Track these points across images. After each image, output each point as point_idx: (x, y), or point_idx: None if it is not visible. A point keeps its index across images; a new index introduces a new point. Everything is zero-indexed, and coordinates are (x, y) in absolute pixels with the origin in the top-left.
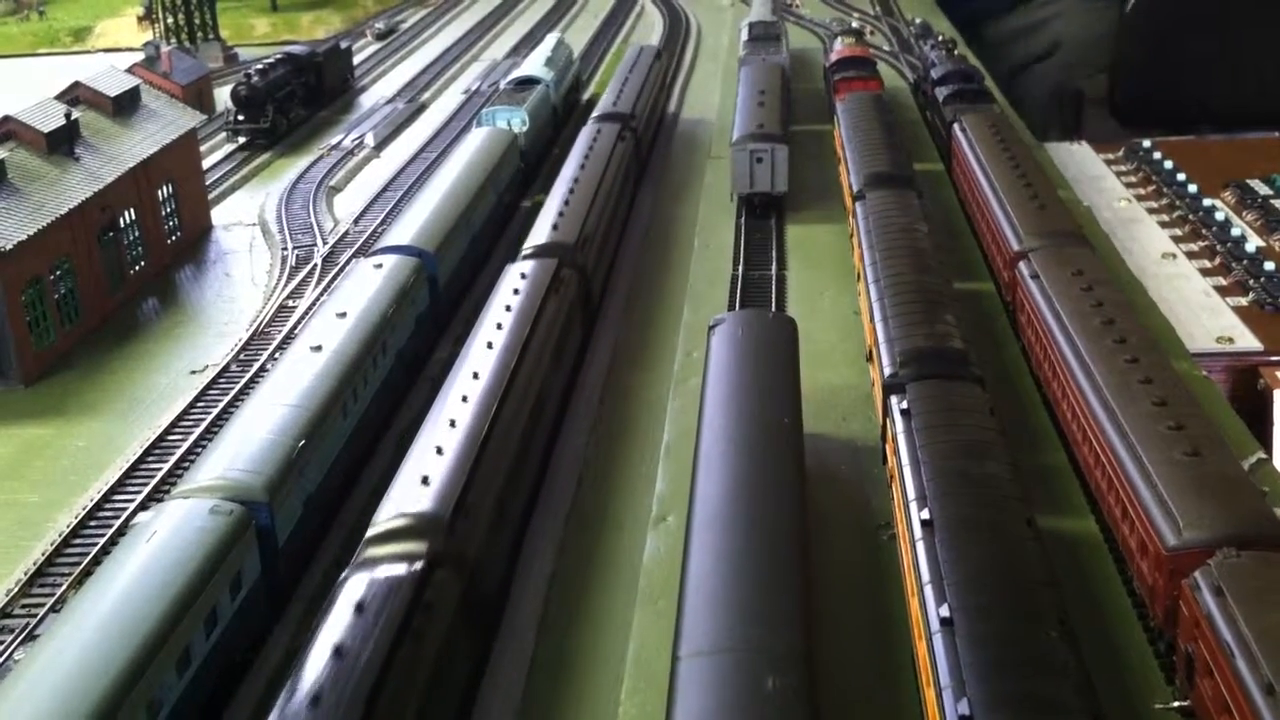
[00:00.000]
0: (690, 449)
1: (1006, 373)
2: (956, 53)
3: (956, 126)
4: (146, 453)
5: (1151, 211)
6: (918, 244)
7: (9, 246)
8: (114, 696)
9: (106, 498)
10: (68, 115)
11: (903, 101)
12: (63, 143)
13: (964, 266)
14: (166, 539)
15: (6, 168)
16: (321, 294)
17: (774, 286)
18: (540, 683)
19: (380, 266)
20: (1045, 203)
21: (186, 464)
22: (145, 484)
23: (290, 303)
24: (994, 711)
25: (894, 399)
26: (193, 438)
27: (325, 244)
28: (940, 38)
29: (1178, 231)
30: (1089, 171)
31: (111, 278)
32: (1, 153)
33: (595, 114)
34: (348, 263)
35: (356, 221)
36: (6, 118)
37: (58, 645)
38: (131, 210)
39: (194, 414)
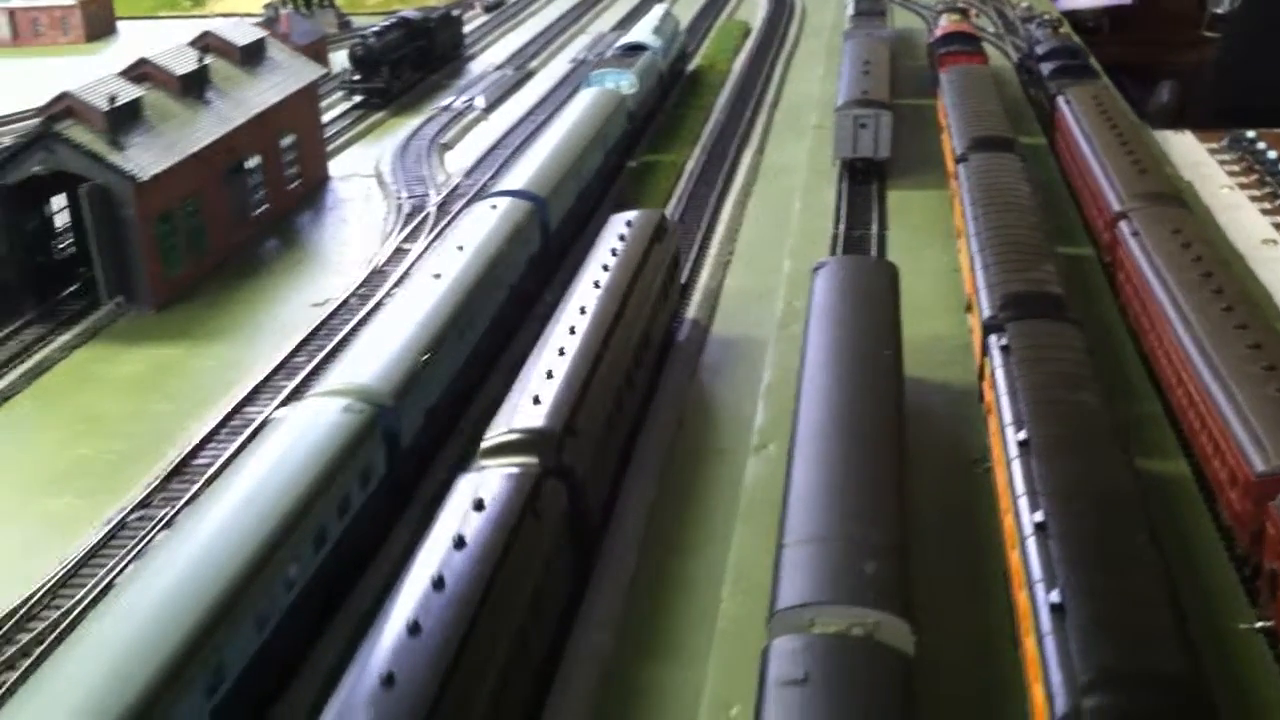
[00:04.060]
0: (790, 389)
1: (1104, 330)
2: (1062, 31)
3: (1060, 99)
4: (272, 373)
5: (1254, 199)
6: (1019, 200)
7: (145, 177)
8: (255, 565)
9: (237, 409)
10: (200, 60)
11: (1006, 79)
12: (194, 86)
13: (1063, 232)
14: (303, 431)
15: (144, 106)
16: (434, 239)
17: (875, 245)
18: (647, 568)
19: (496, 207)
20: (1146, 167)
21: (311, 384)
22: (272, 400)
23: (405, 246)
24: (1083, 598)
25: (993, 337)
26: (315, 361)
27: (438, 194)
28: (1045, 16)
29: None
30: (1190, 158)
31: (235, 216)
32: (139, 92)
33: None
34: (460, 211)
35: (468, 175)
36: (143, 60)
37: (203, 521)
38: (256, 154)
39: (316, 341)
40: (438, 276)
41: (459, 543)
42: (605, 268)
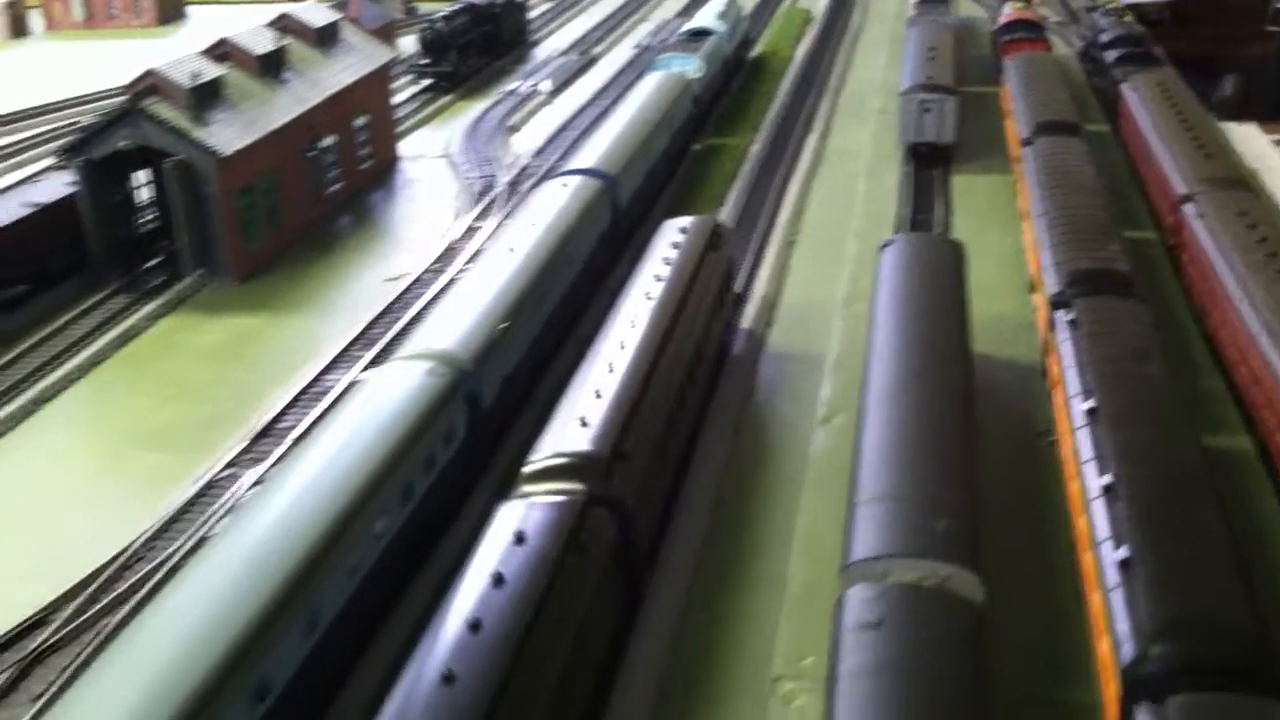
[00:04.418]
0: (856, 364)
1: (1168, 311)
2: (1126, 19)
3: (1124, 86)
4: (350, 344)
5: None
6: (1084, 182)
7: (227, 153)
8: (347, 517)
9: (318, 378)
10: (278, 41)
11: (1069, 68)
12: (273, 67)
13: (1127, 216)
14: (388, 392)
15: (225, 85)
16: (505, 217)
17: (939, 228)
18: (721, 517)
19: (567, 185)
20: (1211, 151)
21: (389, 354)
22: (351, 369)
23: (476, 224)
24: (1150, 554)
25: (1060, 313)
26: (393, 333)
27: (507, 174)
28: (1109, 5)
29: None
30: (1255, 149)
31: (311, 194)
32: (220, 70)
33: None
34: (530, 189)
35: (535, 156)
36: (223, 40)
37: (293, 477)
38: (331, 134)
39: (392, 313)
40: (513, 250)
41: (498, 580)
42: (657, 278)
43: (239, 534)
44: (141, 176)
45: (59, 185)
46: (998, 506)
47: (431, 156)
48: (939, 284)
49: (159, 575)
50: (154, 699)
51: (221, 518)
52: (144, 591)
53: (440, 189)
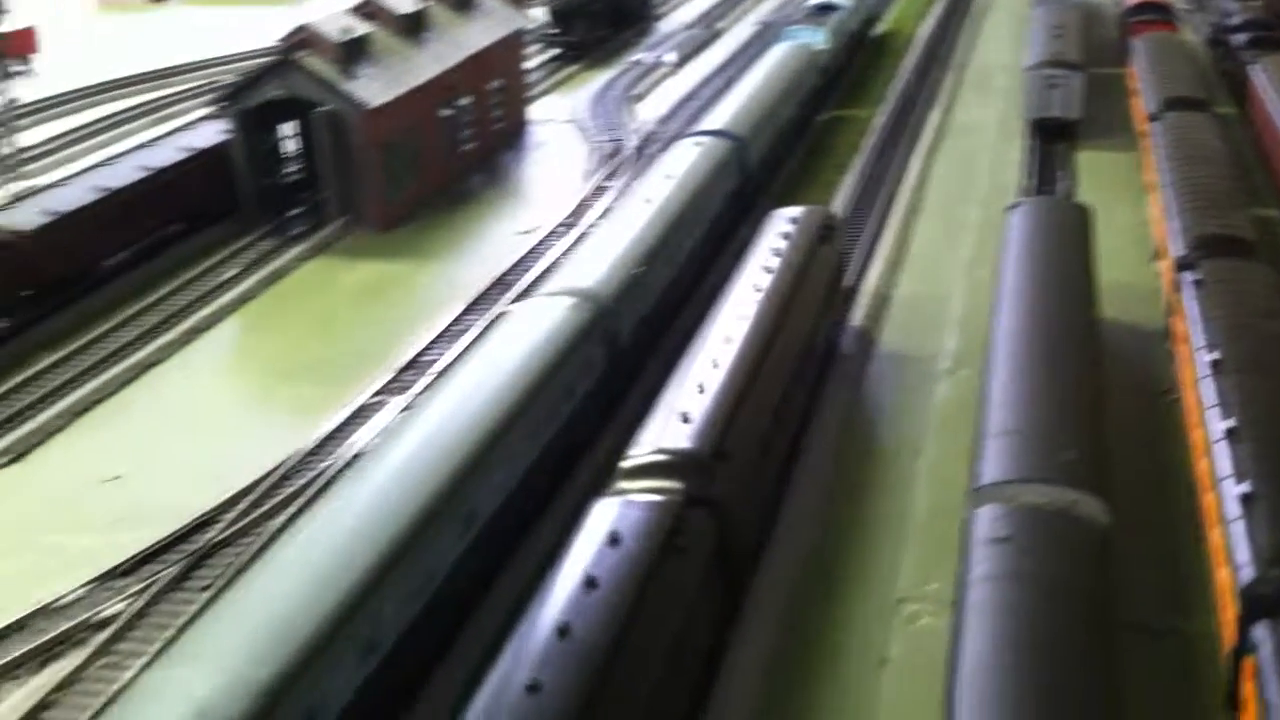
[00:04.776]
0: (979, 323)
1: None
2: (1254, 4)
3: (1253, 68)
4: (489, 288)
5: None
6: (1211, 153)
7: (373, 105)
8: (495, 435)
9: (459, 318)
10: (420, 3)
11: (1196, 52)
12: (415, 26)
13: (1254, 194)
14: (533, 322)
15: (371, 41)
16: (633, 179)
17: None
18: (834, 513)
19: (699, 145)
20: None
21: (526, 297)
22: (490, 309)
23: (606, 184)
24: (1273, 487)
25: (1185, 273)
26: (529, 279)
27: (634, 139)
28: None
29: None
30: None
31: (447, 151)
32: (367, 27)
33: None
34: (658, 152)
35: (662, 123)
36: (368, 1)
37: (442, 401)
38: (467, 94)
39: (527, 263)
40: (649, 201)
41: (590, 583)
42: (766, 270)
43: (390, 453)
44: (288, 129)
45: (213, 133)
46: (1119, 457)
47: (559, 121)
48: (1066, 245)
49: (313, 488)
50: (305, 605)
51: (372, 440)
52: (299, 502)
53: (568, 151)
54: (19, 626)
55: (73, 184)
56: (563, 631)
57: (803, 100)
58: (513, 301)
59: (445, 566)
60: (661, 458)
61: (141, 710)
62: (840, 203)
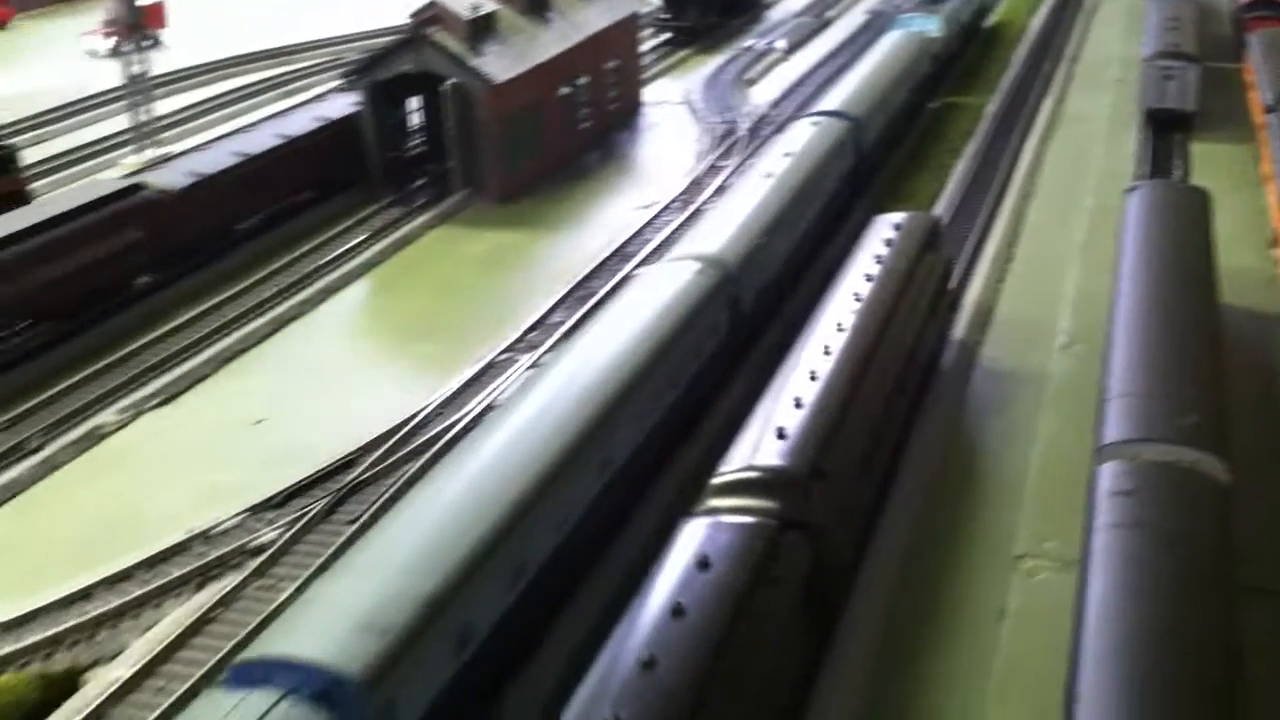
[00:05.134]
0: (1095, 301)
1: None
2: None
3: None
4: (609, 257)
5: None
6: None
7: (499, 80)
8: (625, 392)
9: (580, 284)
10: None
11: None
12: (538, 7)
13: None
14: (662, 285)
15: (497, 19)
16: (748, 158)
17: None
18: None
19: (817, 124)
20: None
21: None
22: (611, 279)
23: (721, 163)
24: None
25: None
26: (648, 249)
27: (747, 121)
28: None
29: None
30: None
31: (565, 128)
32: (493, 6)
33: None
34: (769, 135)
35: (774, 106)
36: None
37: (575, 354)
38: (585, 74)
39: (645, 235)
40: (769, 176)
41: (677, 611)
42: (868, 278)
43: (530, 401)
44: (413, 104)
45: (344, 104)
46: (1237, 431)
47: (672, 103)
48: (1185, 227)
49: (448, 436)
50: (460, 531)
51: (502, 393)
52: (435, 448)
53: (682, 132)
54: (180, 549)
55: (214, 148)
56: (647, 664)
57: (916, 86)
58: (640, 266)
59: (581, 506)
60: (755, 475)
61: (311, 617)
62: (953, 186)
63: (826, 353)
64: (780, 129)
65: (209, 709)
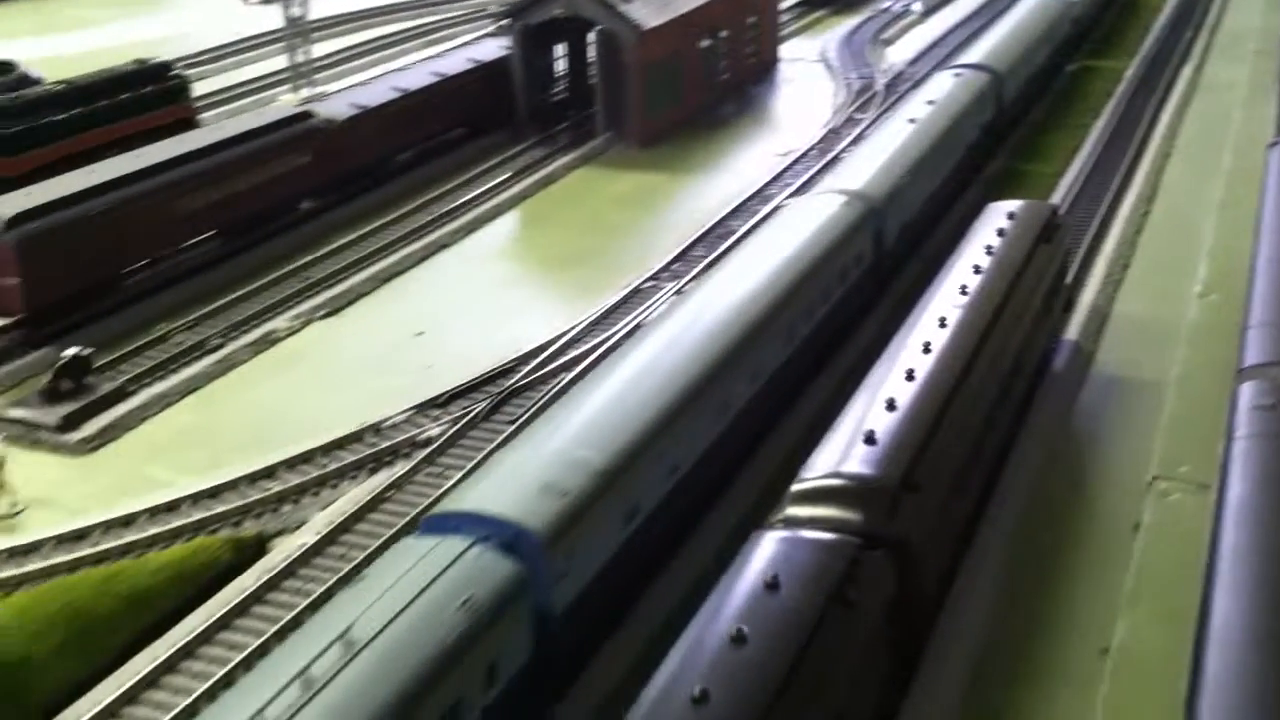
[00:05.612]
0: (1230, 254)
1: None
2: None
3: None
4: (749, 199)
5: None
6: None
7: (646, 28)
8: (775, 309)
9: (720, 221)
10: None
11: None
12: None
13: None
14: (809, 214)
15: None
16: (884, 111)
17: None
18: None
19: (959, 76)
20: None
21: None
22: (750, 218)
23: (857, 115)
24: None
25: None
26: (787, 193)
27: (883, 78)
28: None
29: None
30: None
31: (704, 79)
32: None
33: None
34: (906, 91)
35: (910, 64)
36: None
37: (724, 276)
38: (724, 28)
39: (785, 179)
40: (912, 121)
41: (738, 638)
42: (976, 269)
43: (680, 313)
44: (559, 50)
45: (495, 48)
46: None
47: (808, 60)
48: None
49: (597, 351)
50: (628, 417)
51: (649, 315)
52: (585, 362)
53: (817, 87)
54: (353, 439)
55: (375, 84)
56: (698, 699)
57: (1056, 47)
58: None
59: (731, 414)
60: (838, 483)
61: (497, 478)
62: (1091, 143)
63: (926, 350)
64: (920, 83)
65: (406, 552)
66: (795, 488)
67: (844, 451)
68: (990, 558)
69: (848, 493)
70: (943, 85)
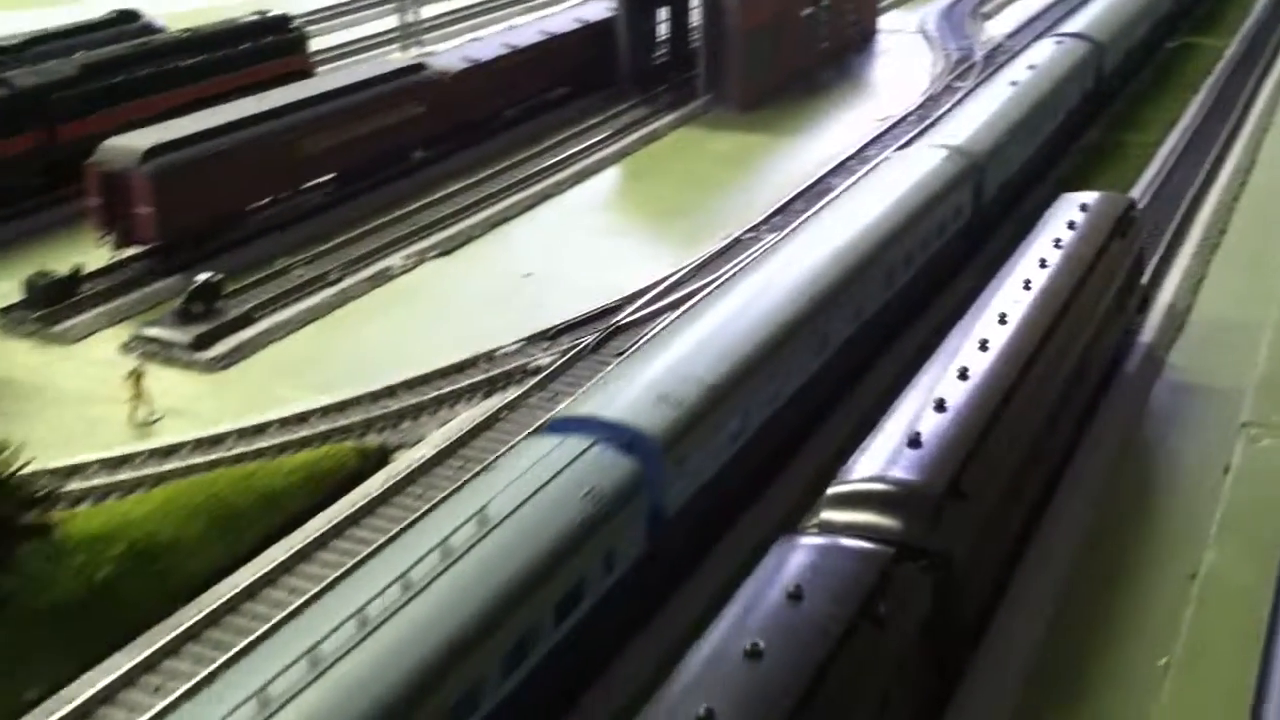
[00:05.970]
0: None
1: None
2: None
3: None
4: (849, 158)
5: None
6: None
7: None
8: (876, 253)
9: (821, 179)
10: None
11: None
12: None
13: None
14: (912, 166)
15: None
16: (983, 81)
17: None
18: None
19: (1060, 44)
20: None
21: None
22: (849, 177)
23: (956, 84)
24: None
25: None
26: (884, 154)
27: (982, 49)
28: None
29: None
30: None
31: (804, 46)
32: None
33: None
34: (1005, 63)
35: (1010, 37)
36: None
37: (820, 228)
38: None
39: (883, 141)
40: (1013, 84)
41: (753, 653)
42: (1043, 263)
43: (785, 251)
44: (661, 14)
45: (601, 9)
46: None
47: (908, 32)
48: None
49: (700, 295)
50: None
51: (757, 255)
52: (688, 305)
53: (915, 57)
54: (468, 365)
55: (486, 40)
56: (704, 719)
57: (1157, 22)
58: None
59: (835, 346)
60: (877, 488)
61: (618, 387)
62: (1190, 115)
63: (983, 348)
64: (1014, 57)
65: (533, 447)
66: (830, 491)
67: (885, 454)
68: (1045, 575)
69: (886, 498)
70: (1044, 51)
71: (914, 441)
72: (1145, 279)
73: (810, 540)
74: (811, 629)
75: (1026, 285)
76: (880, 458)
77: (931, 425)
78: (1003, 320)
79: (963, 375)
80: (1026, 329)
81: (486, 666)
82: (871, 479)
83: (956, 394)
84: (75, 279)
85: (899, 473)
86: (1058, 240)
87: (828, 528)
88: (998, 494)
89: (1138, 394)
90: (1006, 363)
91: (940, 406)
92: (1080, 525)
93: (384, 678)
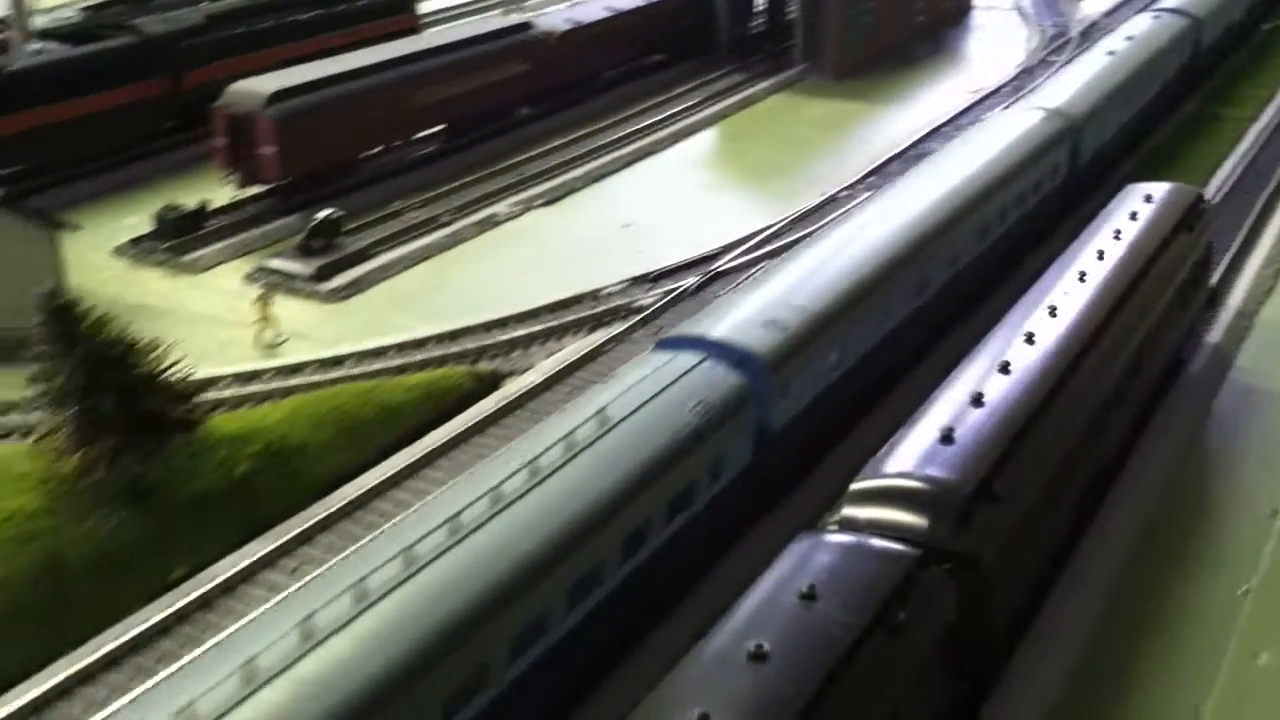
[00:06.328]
0: None
1: None
2: None
3: None
4: (943, 124)
5: None
6: None
7: None
8: (961, 214)
9: (915, 144)
10: None
11: None
12: None
13: None
14: (1011, 126)
15: None
16: (1078, 55)
17: None
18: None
19: (1158, 18)
20: None
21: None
22: (944, 145)
23: (1051, 58)
24: None
25: None
26: (981, 119)
27: (1078, 26)
28: None
29: None
30: None
31: (899, 20)
32: None
33: None
34: (1099, 38)
35: (1106, 15)
36: None
37: (909, 189)
38: None
39: (973, 111)
40: (1111, 54)
41: (758, 655)
42: (1100, 255)
43: (883, 201)
44: None
45: None
46: None
47: (1003, 8)
48: None
49: (799, 242)
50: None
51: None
52: (788, 249)
53: (1009, 33)
54: (575, 301)
55: (589, 4)
56: None
57: (1254, 3)
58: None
59: (931, 290)
60: (903, 484)
61: (727, 313)
62: None
63: (1029, 341)
64: (1117, 26)
65: (646, 362)
66: (854, 486)
67: (916, 449)
68: (1088, 584)
69: (913, 496)
70: (1142, 24)
71: (947, 437)
72: (1215, 276)
73: (830, 538)
74: (822, 633)
75: (1081, 278)
76: (910, 453)
77: (967, 421)
78: (1053, 313)
79: (1004, 370)
80: (1078, 324)
81: (608, 549)
82: (899, 475)
83: (996, 389)
84: (202, 214)
85: (928, 469)
86: (1118, 232)
87: (849, 525)
88: (1035, 496)
89: (1203, 395)
90: (1053, 358)
91: (978, 401)
92: (1133, 528)
93: (517, 549)
